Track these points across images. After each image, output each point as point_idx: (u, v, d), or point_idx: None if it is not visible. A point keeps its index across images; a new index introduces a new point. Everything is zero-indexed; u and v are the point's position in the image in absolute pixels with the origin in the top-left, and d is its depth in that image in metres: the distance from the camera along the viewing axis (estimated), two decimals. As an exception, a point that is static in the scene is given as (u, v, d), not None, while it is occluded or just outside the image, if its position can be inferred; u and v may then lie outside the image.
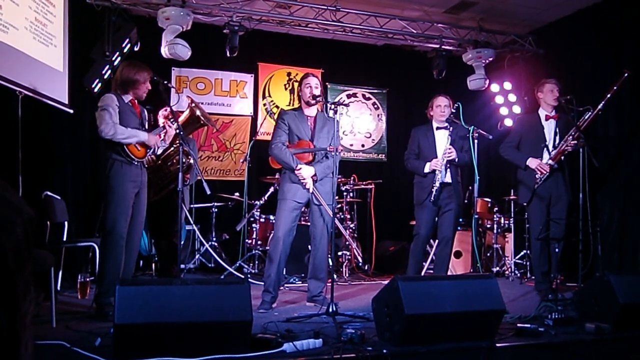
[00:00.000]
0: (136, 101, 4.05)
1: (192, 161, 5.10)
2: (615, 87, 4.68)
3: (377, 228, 6.41)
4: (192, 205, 6.28)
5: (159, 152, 4.31)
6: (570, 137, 4.72)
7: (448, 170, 4.80)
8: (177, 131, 3.99)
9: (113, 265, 3.79)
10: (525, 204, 5.03)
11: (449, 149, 4.72)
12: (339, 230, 6.11)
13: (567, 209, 4.81)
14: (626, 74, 4.66)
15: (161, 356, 2.53)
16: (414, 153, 4.99)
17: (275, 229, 4.28)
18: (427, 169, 4.80)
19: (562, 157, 4.79)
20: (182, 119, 4.73)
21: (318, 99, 4.28)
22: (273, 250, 4.20)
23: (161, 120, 4.33)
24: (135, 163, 3.90)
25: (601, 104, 4.66)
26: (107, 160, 3.82)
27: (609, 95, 4.67)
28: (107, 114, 3.76)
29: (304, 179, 4.19)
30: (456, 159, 4.75)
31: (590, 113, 4.68)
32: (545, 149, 4.83)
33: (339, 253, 6.15)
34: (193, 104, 4.82)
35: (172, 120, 4.09)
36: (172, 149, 4.78)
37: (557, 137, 4.86)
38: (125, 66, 3.97)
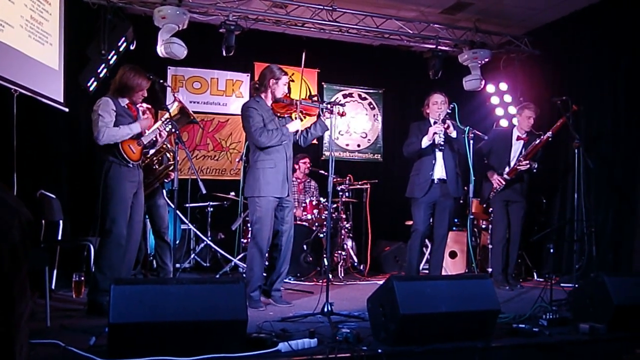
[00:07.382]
0: (133, 105, 4.03)
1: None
2: (561, 121, 4.99)
3: (372, 228, 6.42)
4: (187, 205, 6.27)
5: (152, 152, 4.28)
6: (522, 157, 5.23)
7: (443, 165, 4.82)
8: (174, 130, 3.98)
9: (112, 265, 3.79)
10: (484, 205, 5.73)
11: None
12: (335, 229, 6.13)
13: (523, 213, 5.42)
14: (575, 109, 4.97)
15: (156, 355, 2.52)
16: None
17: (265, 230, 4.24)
18: (425, 142, 4.76)
19: (520, 171, 5.28)
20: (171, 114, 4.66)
21: (314, 97, 4.28)
22: (263, 251, 4.22)
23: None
24: (131, 165, 3.89)
25: (549, 132, 5.06)
26: (103, 163, 3.82)
27: (557, 124, 5.03)
28: (101, 121, 3.76)
29: (295, 130, 4.31)
30: (450, 130, 4.73)
31: (539, 140, 5.12)
32: (507, 164, 5.37)
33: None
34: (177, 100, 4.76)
35: (165, 120, 4.05)
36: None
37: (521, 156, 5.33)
38: (126, 71, 3.93)
